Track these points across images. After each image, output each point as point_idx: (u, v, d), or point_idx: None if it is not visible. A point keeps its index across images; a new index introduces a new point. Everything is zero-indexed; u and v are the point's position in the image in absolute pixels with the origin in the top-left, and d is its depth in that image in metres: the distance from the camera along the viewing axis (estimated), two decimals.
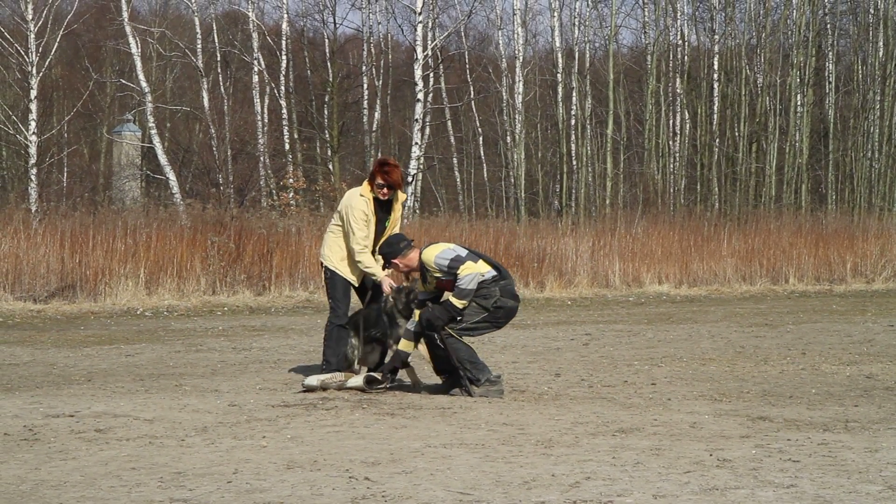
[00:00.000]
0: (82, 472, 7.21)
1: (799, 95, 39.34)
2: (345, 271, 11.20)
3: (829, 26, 41.26)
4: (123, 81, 37.66)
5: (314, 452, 7.76)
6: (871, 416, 9.28)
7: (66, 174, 39.59)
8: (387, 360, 10.99)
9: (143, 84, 34.53)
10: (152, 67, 39.43)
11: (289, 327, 17.01)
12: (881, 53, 40.25)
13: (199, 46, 36.71)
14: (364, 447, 7.94)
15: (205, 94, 36.26)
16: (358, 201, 11.13)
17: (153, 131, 34.56)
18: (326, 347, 11.21)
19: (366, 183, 11.23)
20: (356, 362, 11.19)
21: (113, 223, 22.13)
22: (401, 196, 11.45)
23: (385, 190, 11.13)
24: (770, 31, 39.94)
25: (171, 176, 34.16)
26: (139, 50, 34.67)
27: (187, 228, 22.48)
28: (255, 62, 37.03)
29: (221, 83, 38.48)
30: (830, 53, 41.16)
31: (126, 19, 34.19)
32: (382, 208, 11.22)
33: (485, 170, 41.42)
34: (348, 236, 11.09)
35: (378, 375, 10.55)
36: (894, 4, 40.80)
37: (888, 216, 34.06)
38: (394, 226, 11.30)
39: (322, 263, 11.36)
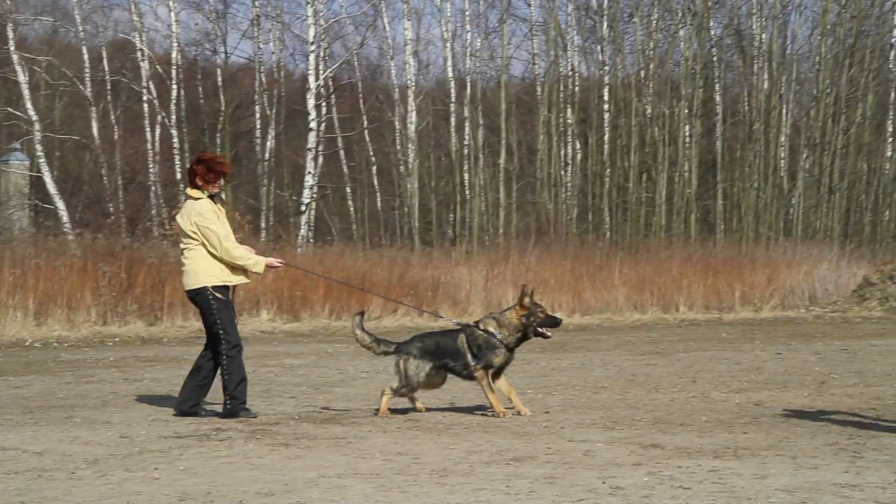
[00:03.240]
0: None
1: (687, 126, 39.95)
2: (226, 279, 10.88)
3: (715, 59, 41.95)
4: (11, 110, 37.07)
5: (207, 484, 7.70)
6: (759, 442, 9.43)
7: None
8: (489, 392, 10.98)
9: (31, 113, 34.08)
10: (40, 96, 38.87)
11: (182, 357, 16.84)
12: (766, 85, 41.02)
13: (88, 75, 36.32)
14: (258, 478, 7.89)
15: (94, 124, 35.85)
16: (203, 205, 10.84)
17: (42, 160, 34.10)
18: (230, 381, 10.81)
19: (193, 190, 10.92)
20: (419, 387, 11.11)
21: (1, 253, 21.77)
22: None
23: (221, 181, 10.97)
24: (658, 62, 40.53)
25: (61, 205, 33.70)
26: (27, 78, 34.22)
27: (77, 258, 22.18)
28: (145, 91, 36.70)
29: (111, 112, 38.06)
30: (717, 85, 41.85)
31: (13, 47, 33.74)
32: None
33: (378, 199, 41.41)
34: (209, 246, 10.78)
35: None
36: (778, 37, 41.63)
37: (775, 246, 34.64)
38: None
39: (195, 291, 10.88)
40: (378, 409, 11.03)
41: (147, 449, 9.09)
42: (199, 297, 10.90)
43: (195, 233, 10.79)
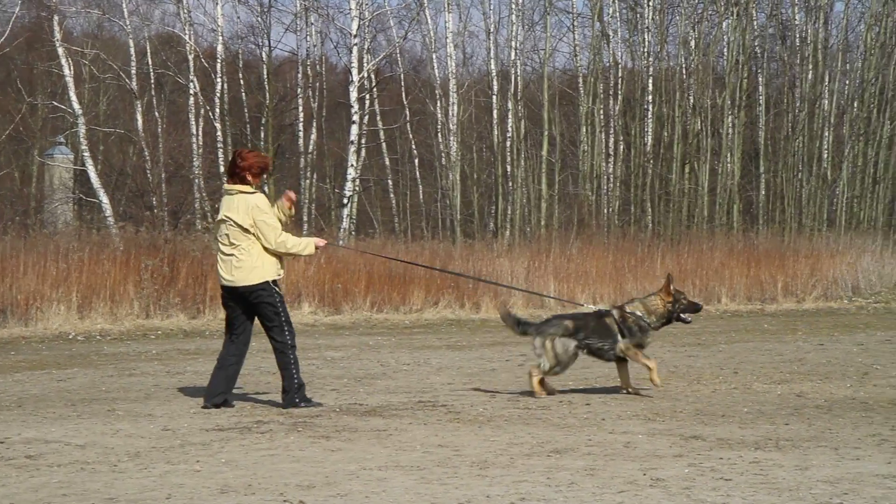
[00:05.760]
0: (12, 499, 7.15)
1: (730, 117, 39.72)
2: (279, 272, 10.96)
3: (758, 49, 41.71)
4: (56, 104, 37.35)
5: (249, 476, 7.74)
6: (801, 434, 9.39)
7: None
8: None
9: (76, 106, 34.28)
10: (85, 90, 39.12)
11: None
12: (810, 76, 40.74)
13: (133, 68, 36.50)
14: (299, 470, 7.92)
15: (139, 117, 36.03)
16: (260, 198, 10.87)
17: (86, 154, 34.29)
18: (297, 371, 10.91)
19: (243, 185, 10.89)
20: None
21: (45, 247, 21.93)
22: None
23: (264, 175, 11.09)
24: (702, 53, 40.32)
25: (105, 199, 33.90)
26: (72, 72, 34.42)
27: (120, 252, 22.30)
28: (190, 84, 36.87)
29: (156, 105, 38.28)
30: (761, 76, 41.61)
31: (59, 41, 33.96)
32: None
33: (420, 191, 41.45)
34: (263, 239, 10.76)
35: None
36: (822, 27, 41.33)
37: (818, 237, 34.45)
38: None
39: (258, 286, 10.83)
40: (532, 392, 11.64)
41: (189, 441, 9.14)
42: (261, 292, 10.86)
43: (253, 226, 10.78)
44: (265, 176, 11.09)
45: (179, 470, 8.00)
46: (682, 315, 11.72)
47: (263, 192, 11.04)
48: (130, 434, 9.49)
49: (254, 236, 10.81)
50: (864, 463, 8.11)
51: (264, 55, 39.40)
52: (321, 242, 11.40)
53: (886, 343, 17.87)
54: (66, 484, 7.55)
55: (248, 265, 10.84)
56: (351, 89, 35.69)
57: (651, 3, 39.91)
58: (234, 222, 10.83)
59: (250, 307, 10.98)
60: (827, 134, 40.47)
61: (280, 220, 11.03)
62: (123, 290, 21.03)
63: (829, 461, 8.18)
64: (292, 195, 11.32)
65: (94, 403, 11.43)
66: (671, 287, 11.70)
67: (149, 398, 11.85)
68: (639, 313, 11.59)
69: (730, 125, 39.63)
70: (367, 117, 38.51)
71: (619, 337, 11.58)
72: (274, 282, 10.91)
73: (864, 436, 9.27)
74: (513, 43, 39.61)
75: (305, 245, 11.02)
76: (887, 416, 10.34)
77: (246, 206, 10.81)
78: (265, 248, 10.83)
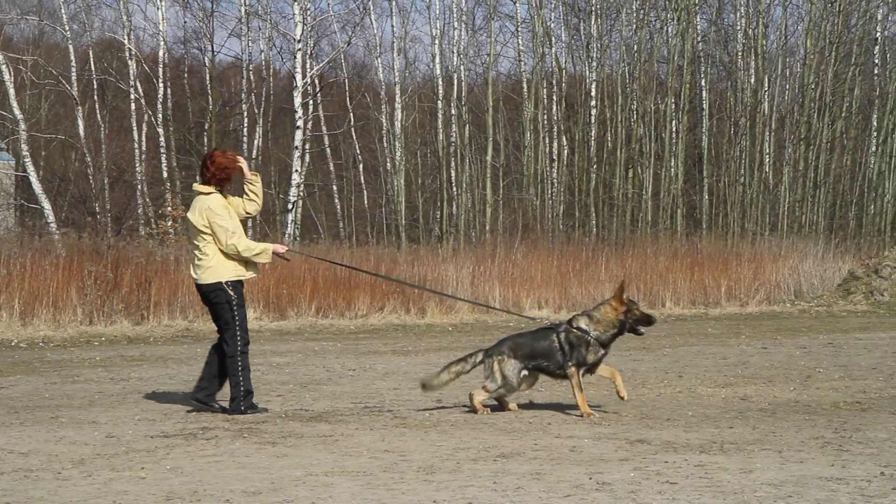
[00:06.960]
0: None
1: (673, 122, 39.97)
2: (240, 274, 10.89)
3: (701, 54, 42.01)
4: None
5: (194, 483, 7.70)
6: (745, 437, 9.45)
7: None
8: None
9: (17, 112, 33.99)
10: (26, 95, 38.81)
11: (168, 357, 16.82)
12: (752, 80, 41.06)
13: (74, 74, 36.24)
14: (245, 477, 7.89)
15: (80, 123, 35.79)
16: (214, 199, 10.85)
17: (27, 160, 34.01)
18: (245, 377, 10.90)
19: (203, 185, 10.92)
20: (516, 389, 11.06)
21: None
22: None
23: (229, 183, 11.00)
24: (644, 58, 40.56)
25: (47, 205, 33.64)
26: (12, 78, 34.14)
27: (63, 258, 22.12)
28: (132, 90, 36.65)
29: (98, 111, 38.01)
30: (703, 81, 41.90)
31: None
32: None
33: (365, 197, 41.42)
34: (216, 241, 10.77)
35: None
36: (763, 34, 41.68)
37: (761, 241, 34.72)
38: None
39: (213, 286, 10.83)
40: (475, 410, 10.90)
41: (133, 448, 9.08)
42: (217, 293, 10.87)
43: (206, 227, 10.78)
44: (229, 183, 11.01)
45: (124, 477, 7.94)
46: (636, 326, 11.03)
47: (222, 192, 10.98)
48: (74, 441, 9.42)
49: (209, 237, 10.81)
50: (807, 465, 8.18)
51: (207, 60, 39.25)
52: (280, 248, 11.25)
53: (829, 346, 18.03)
54: (9, 492, 7.48)
55: (205, 264, 10.89)
56: (295, 94, 35.61)
57: (594, 8, 40.11)
58: (191, 223, 10.89)
59: (211, 307, 10.99)
60: (768, 138, 40.80)
61: (248, 211, 11.12)
62: (66, 296, 20.84)
63: (773, 464, 8.24)
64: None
65: (37, 411, 11.33)
66: (623, 295, 10.99)
67: (93, 405, 11.76)
68: (583, 326, 10.90)
69: (673, 130, 39.89)
70: (311, 122, 38.43)
71: (560, 356, 10.87)
72: (233, 285, 10.85)
73: (807, 438, 9.35)
74: (456, 48, 39.68)
75: (261, 250, 10.96)
76: (830, 419, 10.44)
77: (201, 206, 10.87)
78: (221, 250, 10.83)
